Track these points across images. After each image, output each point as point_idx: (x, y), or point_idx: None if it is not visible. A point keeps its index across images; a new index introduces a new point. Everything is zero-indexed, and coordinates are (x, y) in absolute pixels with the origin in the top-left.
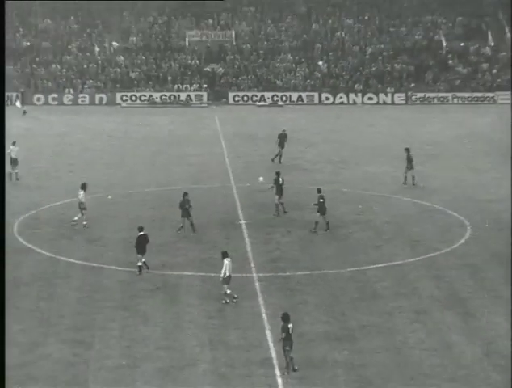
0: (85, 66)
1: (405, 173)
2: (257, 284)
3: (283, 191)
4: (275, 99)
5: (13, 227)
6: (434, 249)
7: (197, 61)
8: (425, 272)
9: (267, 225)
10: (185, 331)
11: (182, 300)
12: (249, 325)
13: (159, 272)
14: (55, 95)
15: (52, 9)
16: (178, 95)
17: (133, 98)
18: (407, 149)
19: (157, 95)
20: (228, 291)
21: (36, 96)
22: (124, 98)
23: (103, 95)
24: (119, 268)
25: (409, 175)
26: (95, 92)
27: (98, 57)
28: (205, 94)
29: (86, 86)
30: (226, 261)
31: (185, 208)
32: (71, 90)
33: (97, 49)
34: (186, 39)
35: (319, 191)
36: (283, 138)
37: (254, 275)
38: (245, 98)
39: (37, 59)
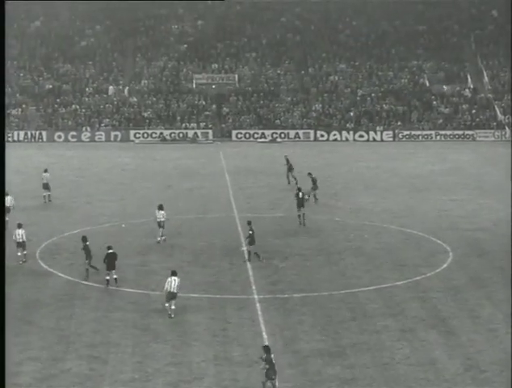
0: (101, 106)
1: (310, 194)
2: (258, 305)
3: (303, 204)
4: (275, 136)
5: (36, 252)
6: (420, 273)
7: (203, 102)
8: (411, 294)
9: (267, 250)
10: (192, 347)
11: (189, 319)
12: (251, 342)
13: None
14: (74, 133)
15: (72, 55)
16: (186, 133)
17: (145, 135)
18: (310, 174)
19: (166, 133)
20: (167, 304)
21: (57, 134)
22: (137, 135)
23: (118, 133)
24: (132, 290)
25: (312, 195)
26: (111, 130)
27: (114, 98)
28: (211, 132)
29: (102, 125)
30: (170, 279)
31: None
32: (88, 128)
33: (112, 91)
34: (194, 81)
35: (249, 223)
36: (289, 165)
37: (255, 296)
38: (247, 135)
39: (58, 100)
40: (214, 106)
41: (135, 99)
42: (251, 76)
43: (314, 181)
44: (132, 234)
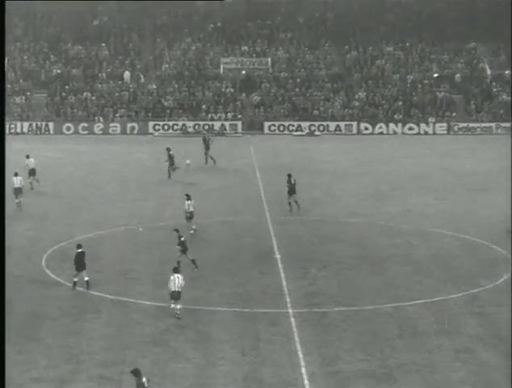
0: (116, 94)
1: (288, 199)
2: (292, 319)
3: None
4: (312, 128)
5: (41, 260)
6: (477, 285)
7: (232, 90)
8: (467, 309)
9: (303, 258)
10: (217, 367)
11: (214, 336)
12: (284, 362)
13: (191, 307)
14: (85, 124)
15: (82, 35)
16: (212, 125)
17: (166, 127)
18: (289, 175)
19: (190, 125)
20: (172, 306)
21: (66, 125)
22: (157, 127)
23: (135, 124)
24: (150, 303)
25: (292, 200)
26: (127, 121)
27: (130, 85)
28: (240, 124)
29: (117, 115)
30: (172, 277)
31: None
32: (101, 119)
33: (128, 77)
34: (221, 66)
35: (177, 231)
36: None
37: (290, 310)
38: (281, 127)
39: (67, 87)
40: (244, 94)
41: (154, 86)
42: (286, 60)
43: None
44: (150, 239)
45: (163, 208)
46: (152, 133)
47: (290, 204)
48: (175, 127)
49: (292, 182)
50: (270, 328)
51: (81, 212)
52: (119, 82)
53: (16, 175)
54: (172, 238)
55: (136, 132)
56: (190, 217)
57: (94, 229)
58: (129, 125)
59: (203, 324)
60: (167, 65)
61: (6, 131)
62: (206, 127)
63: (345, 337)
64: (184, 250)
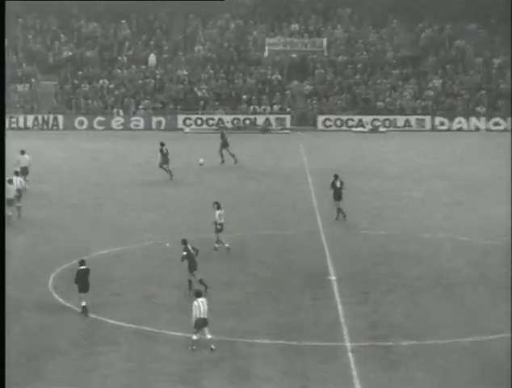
0: (139, 82)
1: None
2: (350, 354)
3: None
4: (376, 123)
5: (48, 280)
6: None
7: (279, 76)
8: None
9: (364, 281)
10: None
11: (255, 373)
12: None
13: (226, 339)
14: (101, 118)
15: (98, 11)
16: (255, 119)
17: (198, 121)
18: (336, 176)
19: (228, 119)
20: (195, 337)
21: (78, 119)
22: (188, 121)
23: (162, 118)
24: (177, 333)
25: (338, 206)
26: (152, 114)
27: (156, 71)
28: (288, 118)
29: (140, 107)
30: (197, 303)
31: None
32: (121, 112)
33: (154, 61)
34: (266, 48)
35: (185, 242)
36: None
37: (348, 344)
38: (339, 122)
39: (80, 73)
40: (293, 82)
41: (185, 72)
42: (345, 41)
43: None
44: (178, 256)
45: (195, 218)
46: (182, 129)
47: (339, 210)
48: (210, 121)
49: (338, 185)
50: (323, 365)
51: (95, 223)
52: (143, 67)
53: (16, 174)
54: (205, 253)
55: (162, 127)
56: (220, 229)
57: (112, 244)
58: (155, 119)
59: (240, 359)
60: (201, 47)
61: (7, 126)
62: (222, 123)
63: (414, 377)
64: (192, 266)
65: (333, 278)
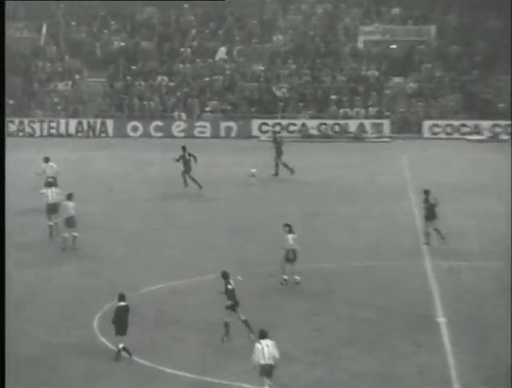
0: (205, 79)
1: (425, 227)
2: None
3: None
4: (497, 130)
5: (93, 320)
6: None
7: (375, 73)
8: None
9: (480, 324)
10: None
11: None
12: None
13: None
14: (159, 123)
15: None
16: (346, 124)
17: (277, 128)
18: (426, 192)
19: (313, 124)
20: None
21: (132, 124)
22: (264, 127)
23: (233, 123)
24: (250, 386)
25: (431, 228)
26: (220, 118)
27: (226, 66)
28: (387, 123)
29: (206, 109)
30: (260, 346)
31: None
32: (184, 116)
33: (224, 54)
34: (360, 38)
35: (225, 275)
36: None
37: None
38: (450, 128)
39: (134, 67)
40: (395, 79)
41: (261, 68)
42: (457, 27)
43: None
44: (251, 292)
45: (274, 248)
46: (256, 137)
47: (428, 234)
48: (291, 127)
49: (432, 201)
50: None
51: (149, 252)
52: (210, 61)
53: (50, 184)
54: (287, 289)
55: (233, 134)
56: (292, 258)
57: (170, 277)
58: (223, 125)
59: None
60: (280, 37)
61: (44, 131)
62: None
63: None
64: (233, 304)
65: (441, 320)
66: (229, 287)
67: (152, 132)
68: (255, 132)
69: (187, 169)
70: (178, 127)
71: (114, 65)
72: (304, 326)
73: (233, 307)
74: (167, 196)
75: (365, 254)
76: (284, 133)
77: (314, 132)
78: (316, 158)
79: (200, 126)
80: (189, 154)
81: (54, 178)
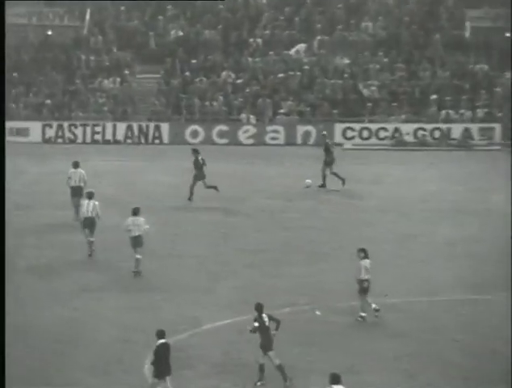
0: (280, 75)
1: None
2: None
3: None
4: None
5: (143, 363)
6: None
7: (485, 67)
8: None
9: None
10: None
11: None
12: None
13: None
14: (224, 128)
15: None
16: (449, 129)
17: (364, 133)
18: None
19: (408, 129)
20: None
21: (191, 128)
22: (349, 133)
23: (311, 128)
24: None
25: None
26: (297, 122)
27: (305, 60)
28: (498, 128)
29: (280, 112)
30: None
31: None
32: (252, 118)
33: (303, 48)
34: (467, 24)
35: (259, 308)
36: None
37: None
38: None
39: (194, 61)
40: (507, 74)
41: (346, 61)
42: None
43: None
44: (331, 327)
45: (345, 279)
46: (340, 144)
47: None
48: (382, 133)
49: None
50: None
51: (212, 281)
52: (285, 54)
53: (90, 196)
54: (377, 327)
55: (311, 140)
56: (366, 288)
57: (236, 311)
58: (301, 129)
59: None
60: (369, 24)
61: (87, 137)
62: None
63: None
64: (266, 344)
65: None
66: (256, 324)
67: (215, 138)
68: (338, 138)
69: (200, 175)
70: (245, 132)
71: (170, 58)
72: (389, 370)
73: (264, 348)
74: (230, 213)
75: (463, 283)
76: (373, 140)
77: (409, 138)
78: (412, 170)
79: (273, 131)
80: (202, 159)
81: (81, 187)
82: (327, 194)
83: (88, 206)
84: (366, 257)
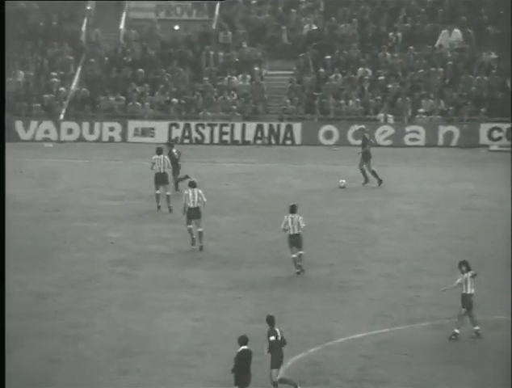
0: (420, 71)
1: None
2: None
3: None
4: None
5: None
6: None
7: None
8: None
9: None
10: None
11: None
12: None
13: None
14: (360, 127)
15: None
16: None
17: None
18: None
19: None
20: None
21: (325, 128)
22: (495, 133)
23: (454, 129)
24: None
25: None
26: (439, 122)
27: (449, 54)
28: None
29: (420, 111)
30: None
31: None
32: (391, 119)
33: (460, 36)
34: None
35: (271, 323)
36: None
37: None
38: None
39: (329, 57)
40: None
41: (493, 56)
42: None
43: None
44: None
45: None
46: (485, 145)
47: None
48: None
49: None
50: None
51: (346, 293)
52: (428, 48)
53: (193, 185)
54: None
55: (454, 142)
56: (470, 305)
57: (371, 324)
58: (442, 130)
59: None
60: None
61: (215, 137)
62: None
63: None
64: (275, 361)
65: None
66: (271, 338)
67: (350, 139)
68: (484, 139)
69: (176, 169)
70: (383, 133)
71: (303, 54)
72: None
73: (273, 364)
74: (363, 219)
75: None
76: None
77: None
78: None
79: (412, 131)
80: (178, 153)
81: (165, 174)
82: (470, 198)
83: (193, 196)
84: (469, 269)
